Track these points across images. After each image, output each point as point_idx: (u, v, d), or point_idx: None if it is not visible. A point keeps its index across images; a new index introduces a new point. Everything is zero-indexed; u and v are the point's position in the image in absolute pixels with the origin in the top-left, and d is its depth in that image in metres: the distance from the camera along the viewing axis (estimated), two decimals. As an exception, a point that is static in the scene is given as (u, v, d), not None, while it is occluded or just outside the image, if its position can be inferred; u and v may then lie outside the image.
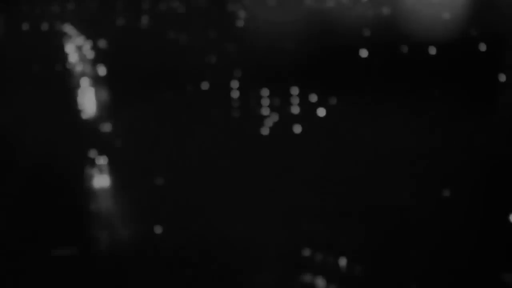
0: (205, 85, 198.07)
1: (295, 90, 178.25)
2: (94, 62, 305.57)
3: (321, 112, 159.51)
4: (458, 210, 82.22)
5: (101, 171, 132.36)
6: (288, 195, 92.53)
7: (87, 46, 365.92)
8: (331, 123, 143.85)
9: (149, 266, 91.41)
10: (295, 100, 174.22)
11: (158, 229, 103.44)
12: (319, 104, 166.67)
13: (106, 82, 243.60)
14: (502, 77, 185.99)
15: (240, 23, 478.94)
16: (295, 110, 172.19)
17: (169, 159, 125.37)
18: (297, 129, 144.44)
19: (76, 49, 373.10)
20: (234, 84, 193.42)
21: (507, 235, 72.25)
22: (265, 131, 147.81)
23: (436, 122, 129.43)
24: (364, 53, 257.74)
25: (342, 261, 78.97)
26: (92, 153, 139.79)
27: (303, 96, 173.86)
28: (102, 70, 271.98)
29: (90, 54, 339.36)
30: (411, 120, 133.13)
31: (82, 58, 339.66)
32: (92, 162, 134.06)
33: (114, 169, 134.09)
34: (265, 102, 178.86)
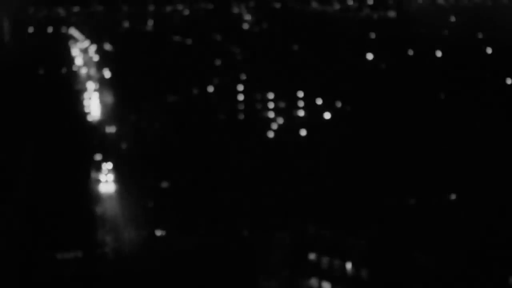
0: (210, 88, 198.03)
1: (300, 94, 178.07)
2: (100, 65, 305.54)
3: (327, 115, 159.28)
4: (465, 213, 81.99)
5: (106, 174, 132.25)
6: (294, 198, 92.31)
7: (92, 49, 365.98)
8: (336, 126, 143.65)
9: (153, 268, 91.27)
10: (301, 103, 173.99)
11: (162, 232, 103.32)
12: (324, 107, 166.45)
13: (111, 85, 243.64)
14: (509, 81, 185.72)
15: (245, 27, 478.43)
16: (301, 113, 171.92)
17: (174, 162, 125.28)
18: (303, 132, 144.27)
19: (82, 52, 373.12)
20: (240, 87, 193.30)
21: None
22: (270, 134, 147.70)
23: (442, 124, 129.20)
24: (370, 56, 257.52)
25: (348, 265, 78.72)
26: (98, 157, 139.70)
27: (308, 100, 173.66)
28: (107, 73, 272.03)
29: (95, 57, 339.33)
30: (417, 123, 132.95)
31: (88, 61, 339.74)
32: (97, 166, 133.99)
33: (120, 173, 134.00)
34: (271, 105, 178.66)
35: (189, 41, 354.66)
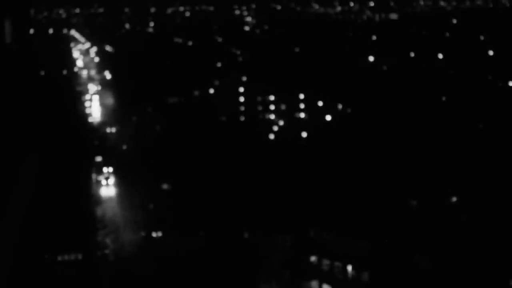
0: (211, 90, 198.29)
1: (301, 96, 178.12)
2: (101, 66, 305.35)
3: (328, 117, 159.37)
4: (466, 216, 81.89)
5: (107, 176, 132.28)
6: (295, 200, 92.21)
7: (94, 51, 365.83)
8: (338, 128, 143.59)
9: (154, 270, 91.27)
10: (302, 106, 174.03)
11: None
12: (326, 109, 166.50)
13: (112, 86, 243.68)
14: (511, 83, 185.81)
15: (247, 29, 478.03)
16: (302, 115, 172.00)
17: (175, 164, 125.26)
18: (304, 134, 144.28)
19: (83, 53, 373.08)
20: (241, 89, 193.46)
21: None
22: (271, 136, 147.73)
23: (444, 127, 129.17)
24: (371, 58, 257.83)
25: (349, 267, 78.66)
26: (98, 158, 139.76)
27: (310, 102, 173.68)
28: (108, 75, 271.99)
29: (97, 58, 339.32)
30: (418, 125, 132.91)
31: (89, 63, 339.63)
32: (98, 167, 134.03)
33: (120, 174, 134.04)
34: (272, 107, 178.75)
35: (190, 43, 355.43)
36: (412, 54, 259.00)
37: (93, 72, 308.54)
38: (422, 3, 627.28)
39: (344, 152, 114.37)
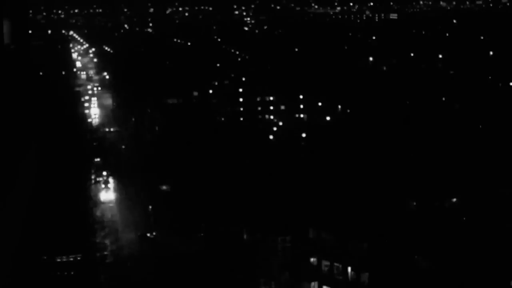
0: (211, 90, 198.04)
1: (301, 96, 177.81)
2: (100, 67, 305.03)
3: (327, 118, 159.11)
4: (465, 217, 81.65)
5: (106, 176, 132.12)
6: (295, 201, 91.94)
7: (92, 52, 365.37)
8: (337, 129, 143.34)
9: (153, 271, 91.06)
10: (302, 106, 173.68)
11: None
12: (325, 110, 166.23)
13: (111, 87, 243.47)
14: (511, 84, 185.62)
15: (247, 29, 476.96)
16: (302, 115, 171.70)
17: (175, 165, 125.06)
18: (304, 134, 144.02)
19: (82, 54, 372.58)
20: (240, 89, 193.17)
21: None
22: (271, 136, 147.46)
23: (443, 127, 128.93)
24: (371, 58, 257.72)
25: (349, 268, 78.44)
26: (97, 159, 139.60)
27: (309, 102, 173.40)
28: (107, 75, 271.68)
29: (95, 59, 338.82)
30: (418, 126, 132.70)
31: (88, 63, 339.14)
32: (97, 168, 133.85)
33: (119, 175, 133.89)
34: (271, 107, 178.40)
35: (189, 43, 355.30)
36: (412, 54, 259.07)
37: (92, 73, 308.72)
38: (422, 3, 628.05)
39: (344, 152, 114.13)
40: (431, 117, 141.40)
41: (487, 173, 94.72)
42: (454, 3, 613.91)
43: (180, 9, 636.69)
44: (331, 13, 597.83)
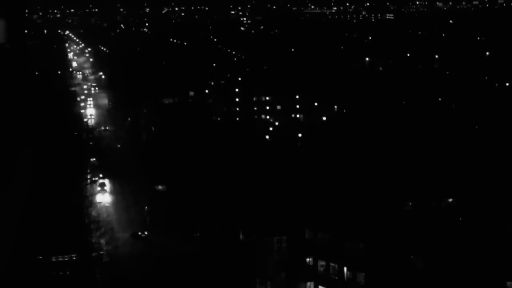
0: (207, 90, 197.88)
1: (297, 96, 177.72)
2: (96, 67, 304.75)
3: (324, 118, 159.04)
4: (461, 217, 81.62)
5: (102, 177, 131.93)
6: (291, 201, 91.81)
7: (88, 51, 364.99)
8: (334, 129, 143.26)
9: (149, 272, 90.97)
10: (298, 106, 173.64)
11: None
12: (321, 110, 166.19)
13: (107, 87, 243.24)
14: (507, 82, 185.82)
15: (243, 29, 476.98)
16: (298, 115, 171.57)
17: (171, 165, 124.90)
18: (300, 135, 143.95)
19: (78, 54, 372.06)
20: (236, 89, 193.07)
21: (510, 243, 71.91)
22: (267, 136, 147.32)
23: (439, 128, 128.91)
24: (367, 59, 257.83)
25: (345, 268, 78.38)
26: (93, 159, 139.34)
27: (305, 102, 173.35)
28: (103, 75, 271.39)
29: (91, 59, 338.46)
30: (414, 126, 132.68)
31: (84, 63, 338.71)
32: (92, 168, 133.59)
33: (115, 175, 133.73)
34: (268, 107, 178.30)
35: (185, 43, 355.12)
36: (408, 55, 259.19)
37: (87, 72, 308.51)
38: (418, 3, 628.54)
39: (340, 153, 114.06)
40: (428, 117, 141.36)
41: (483, 173, 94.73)
42: (450, 3, 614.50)
43: (176, 8, 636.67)
44: (327, 13, 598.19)
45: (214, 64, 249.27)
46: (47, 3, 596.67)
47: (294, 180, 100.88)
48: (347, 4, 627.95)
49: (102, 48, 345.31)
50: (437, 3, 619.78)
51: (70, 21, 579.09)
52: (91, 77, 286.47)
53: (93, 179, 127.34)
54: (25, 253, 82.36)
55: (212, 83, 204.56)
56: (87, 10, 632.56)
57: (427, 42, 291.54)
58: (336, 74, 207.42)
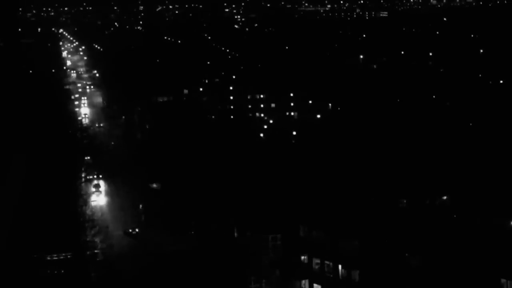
0: (201, 88, 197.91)
1: (292, 94, 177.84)
2: (90, 65, 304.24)
3: (318, 116, 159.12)
4: (456, 215, 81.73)
5: (96, 175, 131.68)
6: (285, 199, 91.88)
7: (82, 49, 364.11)
8: (328, 127, 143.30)
9: (143, 270, 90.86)
10: (292, 104, 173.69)
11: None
12: (316, 108, 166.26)
13: (101, 85, 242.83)
14: (502, 80, 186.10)
15: (237, 27, 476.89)
16: (292, 113, 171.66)
17: (165, 163, 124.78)
18: (294, 132, 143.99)
19: (72, 52, 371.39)
20: (231, 87, 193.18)
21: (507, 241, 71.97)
22: (262, 134, 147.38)
23: (434, 125, 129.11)
24: (361, 57, 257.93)
25: (340, 266, 78.41)
26: (88, 157, 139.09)
27: (300, 100, 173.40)
28: (97, 73, 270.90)
29: (86, 57, 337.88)
30: (409, 124, 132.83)
31: (78, 61, 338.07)
32: (87, 166, 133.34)
33: (110, 173, 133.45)
34: (262, 105, 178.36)
35: (180, 41, 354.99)
36: (402, 52, 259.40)
37: (82, 71, 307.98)
38: (412, 0, 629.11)
39: (335, 150, 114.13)
40: (422, 115, 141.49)
41: (477, 171, 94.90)
42: (444, 1, 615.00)
43: (170, 7, 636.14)
44: (322, 11, 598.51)
45: (208, 62, 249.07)
46: (41, 1, 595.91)
47: (289, 178, 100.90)
48: (341, 1, 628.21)
49: (96, 46, 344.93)
50: (431, 0, 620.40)
51: (64, 19, 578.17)
52: (85, 76, 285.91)
53: (88, 177, 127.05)
54: (19, 251, 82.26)
55: (207, 81, 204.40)
56: (81, 8, 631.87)
57: (421, 40, 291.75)
58: (330, 72, 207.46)
